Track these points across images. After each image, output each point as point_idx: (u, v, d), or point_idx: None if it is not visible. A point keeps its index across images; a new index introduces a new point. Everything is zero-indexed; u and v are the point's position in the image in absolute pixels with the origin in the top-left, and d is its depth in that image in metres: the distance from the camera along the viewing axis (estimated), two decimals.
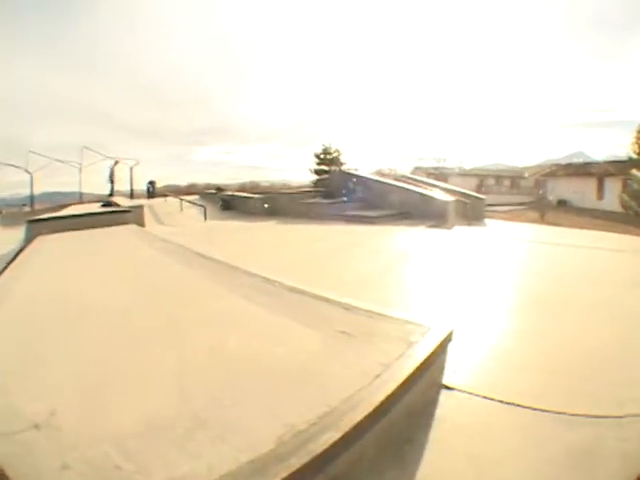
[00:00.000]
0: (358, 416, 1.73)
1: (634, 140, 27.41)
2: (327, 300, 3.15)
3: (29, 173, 24.73)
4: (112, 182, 23.27)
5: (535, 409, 2.23)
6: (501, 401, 2.33)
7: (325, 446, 1.55)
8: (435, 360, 2.45)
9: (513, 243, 8.04)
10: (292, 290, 3.46)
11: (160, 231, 10.13)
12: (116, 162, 24.07)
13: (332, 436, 1.59)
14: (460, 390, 2.48)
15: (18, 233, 10.70)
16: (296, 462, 1.45)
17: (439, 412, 2.26)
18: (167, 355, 2.43)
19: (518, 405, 2.28)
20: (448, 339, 2.60)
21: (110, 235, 7.67)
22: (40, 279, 4.60)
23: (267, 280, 3.79)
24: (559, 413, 2.19)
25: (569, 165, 39.36)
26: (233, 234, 10.49)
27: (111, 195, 21.70)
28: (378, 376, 2.04)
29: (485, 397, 2.38)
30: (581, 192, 33.12)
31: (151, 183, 25.25)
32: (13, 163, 25.36)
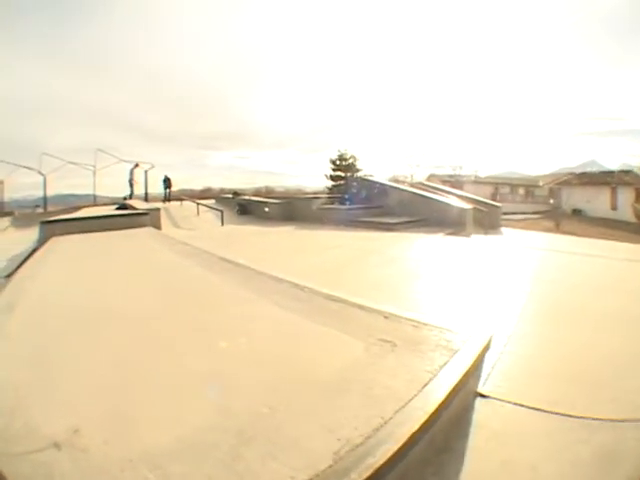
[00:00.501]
0: (414, 427, 1.68)
1: None
2: (363, 307, 3.09)
3: (42, 175, 24.78)
4: (132, 185, 23.02)
5: (559, 414, 2.27)
6: (529, 407, 2.36)
7: (384, 459, 1.48)
8: (476, 368, 2.45)
9: (530, 252, 8.01)
10: (325, 297, 3.39)
11: (177, 234, 10.07)
12: (136, 164, 23.73)
13: (390, 448, 1.53)
14: (493, 397, 2.48)
15: (31, 234, 10.72)
16: (357, 478, 1.38)
17: (475, 419, 2.26)
18: (201, 364, 2.34)
19: (544, 411, 2.31)
20: (488, 346, 2.60)
21: (127, 237, 7.59)
22: (55, 281, 4.49)
23: (296, 286, 3.73)
24: (581, 418, 2.22)
25: (583, 174, 39.23)
26: (251, 239, 10.45)
27: (130, 197, 21.53)
28: (426, 385, 1.99)
29: (515, 404, 2.40)
30: (594, 201, 33.03)
31: (166, 180, 24.38)
32: (26, 165, 25.52)
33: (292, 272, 4.70)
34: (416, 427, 1.68)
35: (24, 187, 29.43)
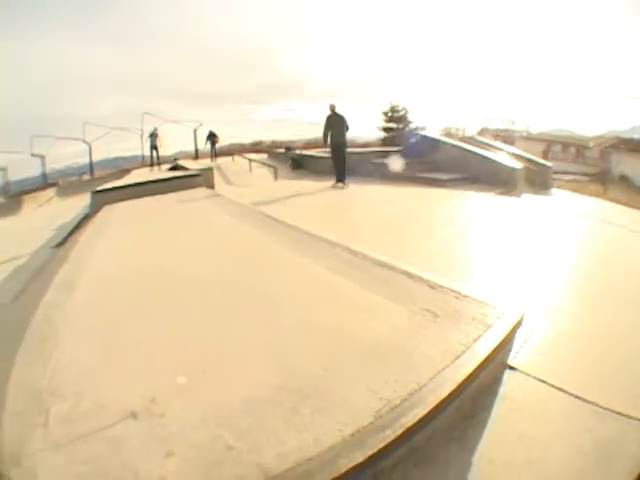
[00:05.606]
0: (443, 394, 1.92)
1: None
2: (411, 276, 3.22)
3: (87, 143, 24.69)
4: (155, 149, 22.06)
5: (578, 397, 2.34)
6: (553, 385, 2.45)
7: (414, 420, 1.75)
8: (507, 342, 2.59)
9: (577, 219, 7.63)
10: (377, 263, 3.50)
11: (231, 193, 9.94)
12: (155, 130, 22.47)
13: (420, 411, 1.80)
14: (521, 371, 2.61)
15: (76, 202, 10.62)
16: (391, 435, 1.65)
17: (502, 391, 2.42)
18: (260, 330, 2.52)
19: (566, 392, 2.39)
20: (520, 323, 2.71)
21: (181, 200, 7.53)
22: (113, 252, 4.52)
23: (350, 250, 3.85)
24: (595, 405, 2.27)
25: (630, 140, 36.92)
26: (304, 194, 10.37)
27: (151, 161, 21.50)
28: (459, 357, 2.19)
29: (540, 380, 2.51)
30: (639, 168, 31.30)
31: (211, 135, 23.66)
32: (68, 136, 25.65)
33: (347, 233, 4.88)
34: (445, 394, 1.92)
35: (66, 157, 29.17)
